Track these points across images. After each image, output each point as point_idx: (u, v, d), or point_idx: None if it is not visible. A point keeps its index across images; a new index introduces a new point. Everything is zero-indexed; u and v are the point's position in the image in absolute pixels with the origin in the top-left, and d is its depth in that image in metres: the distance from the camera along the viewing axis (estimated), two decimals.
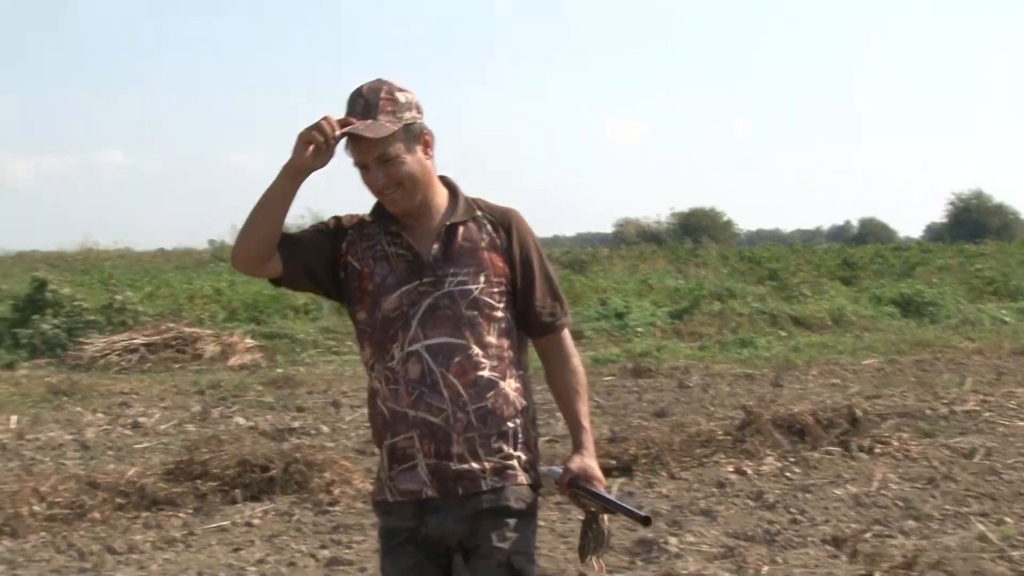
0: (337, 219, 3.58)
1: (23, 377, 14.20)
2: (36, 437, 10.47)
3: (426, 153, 3.45)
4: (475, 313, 3.39)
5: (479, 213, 3.54)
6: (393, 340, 3.37)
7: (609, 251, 37.98)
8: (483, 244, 3.48)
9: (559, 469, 3.50)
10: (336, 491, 8.00)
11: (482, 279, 3.42)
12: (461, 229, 3.48)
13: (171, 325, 16.46)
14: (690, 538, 7.00)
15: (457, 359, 3.34)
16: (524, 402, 3.48)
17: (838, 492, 8.20)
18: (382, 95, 3.36)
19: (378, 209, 3.51)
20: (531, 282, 3.53)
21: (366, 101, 3.35)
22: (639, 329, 19.27)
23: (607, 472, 8.42)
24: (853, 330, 19.80)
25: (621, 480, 8.38)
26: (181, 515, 7.62)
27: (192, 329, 16.41)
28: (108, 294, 18.68)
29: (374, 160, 3.33)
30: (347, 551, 6.85)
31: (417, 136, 3.42)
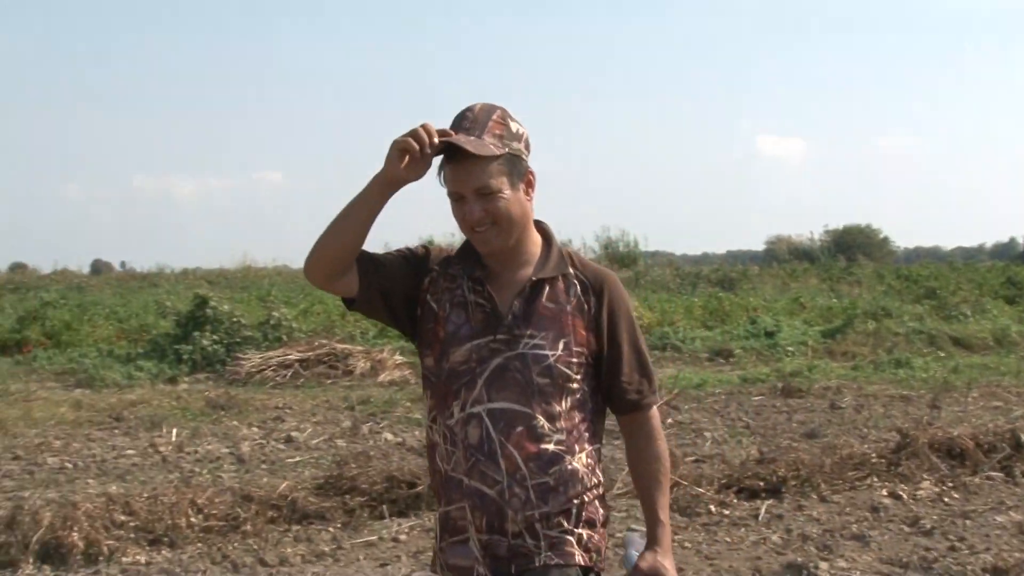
0: (426, 249, 3.35)
1: (184, 391, 14.50)
2: (195, 450, 10.71)
3: (527, 194, 3.18)
4: (547, 381, 3.10)
5: (571, 271, 3.26)
6: (455, 396, 3.13)
7: (760, 269, 37.59)
8: (569, 308, 3.20)
9: (635, 553, 3.23)
10: None
11: (560, 346, 3.14)
12: (547, 287, 3.20)
13: (324, 341, 16.66)
14: (842, 563, 6.84)
15: (519, 428, 3.07)
16: (595, 479, 3.22)
17: (1000, 519, 7.93)
18: (494, 116, 3.12)
19: (466, 249, 3.27)
20: (618, 355, 3.25)
21: (475, 118, 3.10)
22: (789, 348, 18.91)
23: (754, 493, 8.41)
24: (1017, 351, 19.07)
25: (769, 502, 8.22)
26: (330, 529, 7.68)
27: (344, 345, 16.57)
28: (265, 311, 19.05)
29: (473, 191, 3.06)
30: None
31: (522, 173, 3.16)
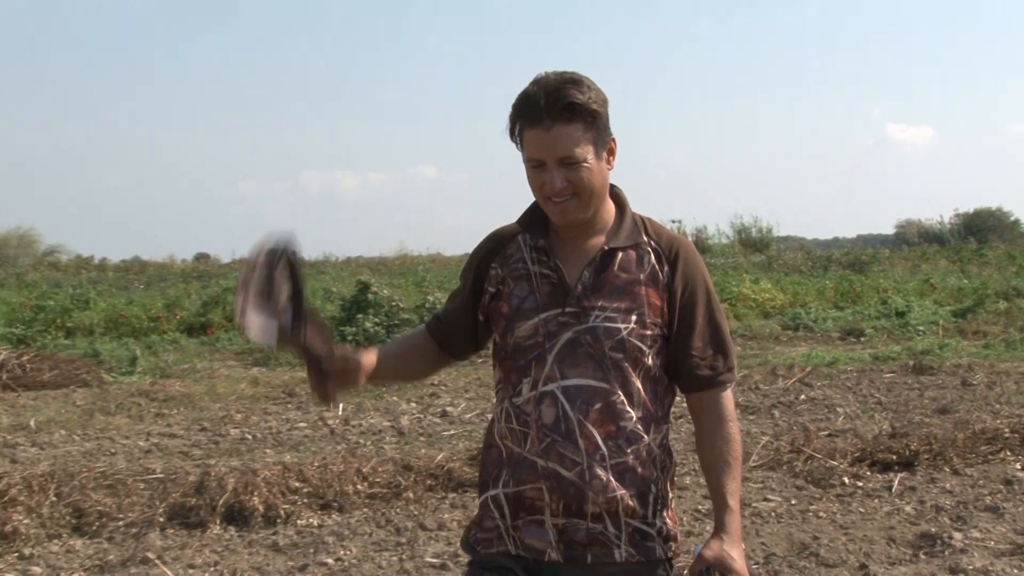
0: (471, 270, 3.02)
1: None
2: (359, 423, 10.86)
3: (609, 162, 2.85)
4: (621, 355, 2.77)
5: (644, 239, 2.90)
6: (524, 374, 2.81)
7: (890, 252, 36.82)
8: (642, 277, 2.84)
9: (699, 548, 2.83)
10: None
11: (633, 318, 2.79)
12: (620, 256, 2.85)
13: None
14: (975, 534, 6.61)
15: (598, 406, 2.75)
16: (669, 460, 2.91)
17: None
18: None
19: (532, 215, 2.94)
20: (691, 327, 2.87)
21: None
22: (920, 327, 18.46)
23: (887, 466, 8.20)
24: None
25: (902, 475, 8.00)
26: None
27: None
28: (420, 295, 19.28)
29: (556, 159, 2.72)
30: None
31: (606, 141, 2.82)
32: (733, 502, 2.85)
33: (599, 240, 2.87)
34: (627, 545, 2.76)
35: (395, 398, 12.21)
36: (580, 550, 2.75)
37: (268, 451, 9.23)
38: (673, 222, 38.73)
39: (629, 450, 2.76)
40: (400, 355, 3.13)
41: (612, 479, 2.73)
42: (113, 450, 9.59)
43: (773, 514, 7.23)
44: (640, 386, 2.80)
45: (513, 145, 2.85)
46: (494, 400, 2.98)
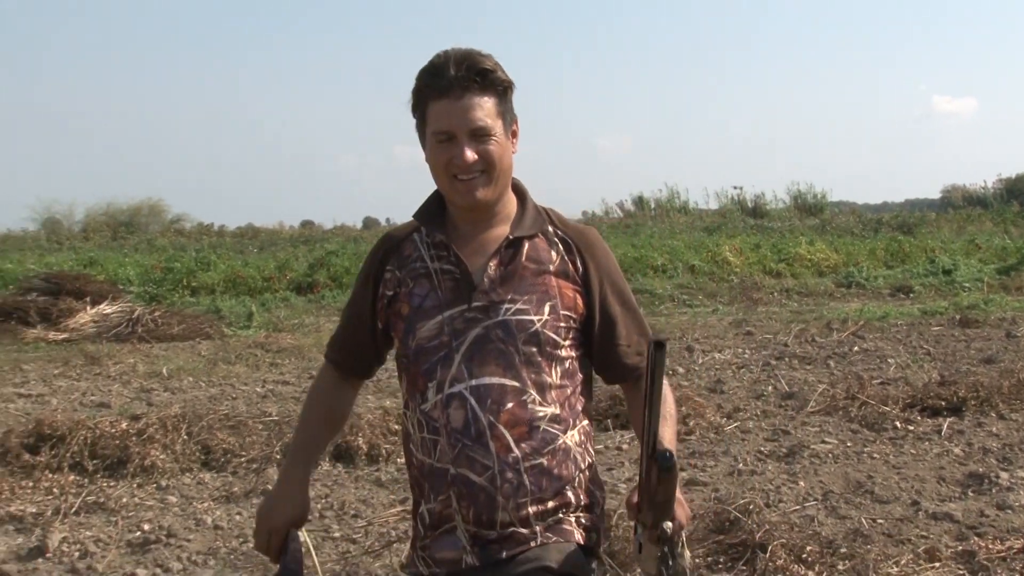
0: (366, 277, 2.61)
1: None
2: None
3: (514, 145, 2.48)
4: (534, 350, 2.39)
5: (550, 228, 2.53)
6: (429, 377, 2.41)
7: (936, 215, 36.08)
8: (551, 267, 2.46)
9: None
10: (691, 423, 7.91)
11: (547, 309, 2.41)
12: (527, 245, 2.47)
13: None
14: (1021, 473, 6.50)
15: (510, 405, 2.35)
16: (589, 457, 2.51)
17: None
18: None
19: (427, 209, 2.54)
20: (612, 317, 2.52)
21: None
22: (966, 284, 18.16)
23: (936, 411, 8.10)
24: None
25: (951, 419, 7.88)
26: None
27: None
28: None
29: (467, 131, 2.35)
30: (702, 474, 6.75)
31: (512, 120, 2.46)
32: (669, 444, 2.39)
33: (502, 230, 2.48)
34: (543, 534, 2.40)
35: None
36: (495, 548, 2.38)
37: (370, 397, 9.27)
38: (735, 188, 38.42)
39: (545, 451, 2.38)
40: (320, 435, 2.76)
41: (526, 482, 2.36)
42: (234, 395, 9.76)
43: (830, 455, 7.15)
44: (555, 381, 2.42)
45: (417, 131, 2.49)
46: (402, 416, 2.59)
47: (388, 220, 46.38)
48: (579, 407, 2.49)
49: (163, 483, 6.73)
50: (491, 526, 2.36)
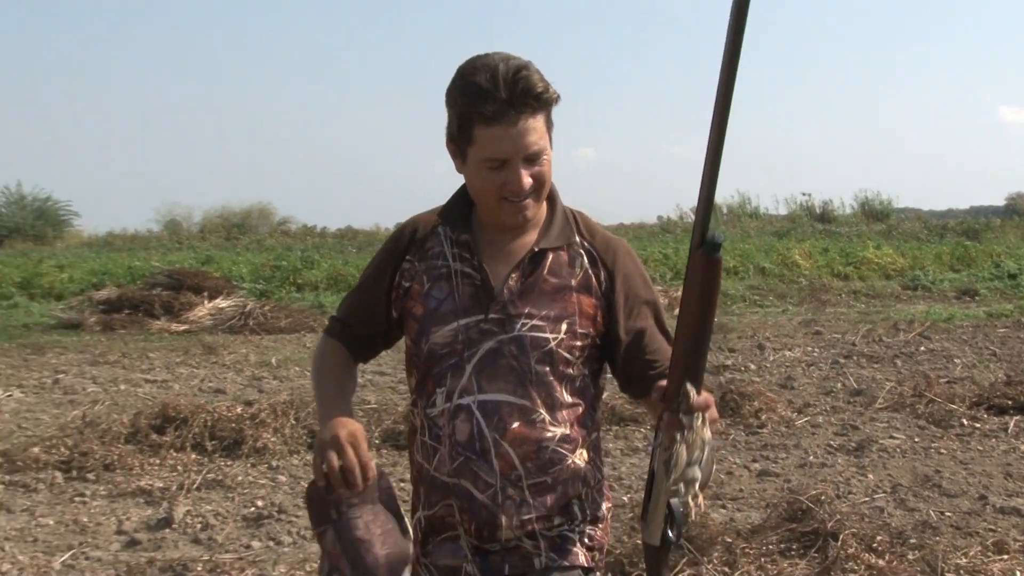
0: (385, 262, 2.35)
1: None
2: None
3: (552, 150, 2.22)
4: (547, 368, 2.17)
5: (577, 239, 2.27)
6: (439, 383, 2.20)
7: (1001, 221, 35.22)
8: (574, 283, 2.23)
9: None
10: (763, 416, 7.84)
11: (563, 328, 2.19)
12: (551, 257, 2.23)
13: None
14: None
15: (516, 424, 2.15)
16: (598, 473, 2.32)
17: None
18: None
19: (453, 206, 2.30)
20: (641, 331, 2.25)
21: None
22: None
23: (1002, 410, 7.93)
24: None
25: (1017, 417, 7.71)
26: (641, 430, 7.64)
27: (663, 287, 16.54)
28: None
29: (524, 156, 2.11)
30: (774, 465, 6.69)
31: (552, 126, 2.20)
32: None
33: (528, 239, 2.25)
34: (547, 552, 2.21)
35: None
36: (497, 560, 2.20)
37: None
38: (803, 195, 37.95)
39: (550, 471, 2.18)
40: (347, 388, 2.39)
41: (528, 498, 2.17)
42: None
43: (898, 450, 7.04)
44: (567, 400, 2.20)
45: (450, 143, 2.22)
46: (411, 411, 2.35)
47: None
48: (589, 423, 2.27)
49: (274, 463, 6.84)
50: (493, 540, 2.19)
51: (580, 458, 2.23)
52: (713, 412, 1.95)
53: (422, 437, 2.24)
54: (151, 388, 9.62)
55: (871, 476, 6.42)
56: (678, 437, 1.92)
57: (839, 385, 9.28)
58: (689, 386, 1.90)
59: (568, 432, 2.20)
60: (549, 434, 2.17)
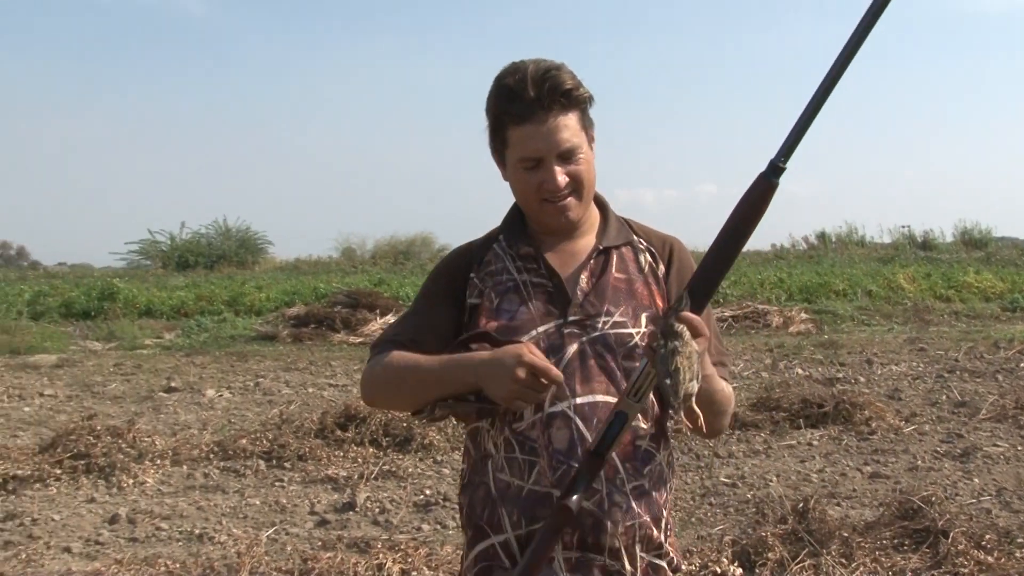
0: (447, 285, 2.04)
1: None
2: None
3: (592, 151, 1.99)
4: (634, 364, 1.87)
5: (635, 238, 2.06)
6: None
7: None
8: (642, 276, 2.00)
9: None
10: (873, 424, 7.63)
11: (644, 321, 1.93)
12: (615, 255, 2.00)
13: (748, 303, 16.35)
14: None
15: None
16: (672, 482, 2.03)
17: None
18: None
19: (512, 222, 2.06)
20: None
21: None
22: None
23: None
24: None
25: None
26: (762, 435, 7.52)
27: (763, 306, 16.20)
28: None
29: (557, 155, 1.90)
30: (884, 468, 6.50)
31: (591, 127, 1.98)
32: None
33: (588, 240, 2.03)
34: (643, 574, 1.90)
35: None
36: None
37: None
38: (902, 227, 36.68)
39: (645, 471, 1.92)
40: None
41: (633, 504, 1.88)
42: None
43: (1002, 457, 6.76)
44: (651, 398, 1.92)
45: (492, 152, 2.03)
46: (475, 432, 2.00)
47: None
48: (665, 421, 1.99)
49: (438, 458, 6.97)
50: (598, 550, 1.86)
51: (664, 460, 1.97)
52: (699, 329, 1.71)
53: (510, 455, 1.89)
54: (333, 391, 9.88)
55: (977, 480, 6.19)
56: (670, 345, 1.67)
57: (944, 397, 8.95)
58: (686, 295, 1.74)
59: (655, 431, 1.94)
60: (641, 432, 1.91)
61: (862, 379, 10.14)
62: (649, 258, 2.04)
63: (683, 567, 2.05)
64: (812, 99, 1.69)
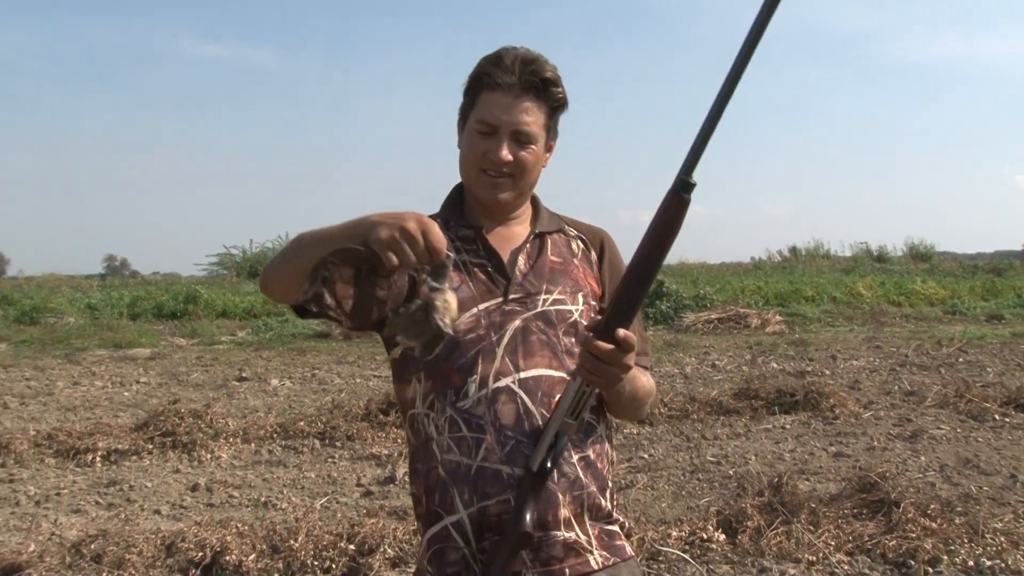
0: None
1: (650, 335, 14.38)
2: (658, 369, 10.58)
3: (546, 160, 1.78)
4: (573, 340, 1.67)
5: (565, 226, 1.84)
6: (468, 373, 1.61)
7: (1020, 262, 33.03)
8: (576, 261, 1.78)
9: None
10: (837, 411, 7.54)
11: (580, 299, 1.71)
12: (550, 240, 1.78)
13: (732, 307, 16.23)
14: None
15: (559, 396, 1.59)
16: (613, 455, 1.76)
17: None
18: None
19: (450, 205, 1.81)
20: None
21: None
22: None
23: None
24: None
25: None
26: (742, 420, 7.45)
27: (744, 310, 16.05)
28: (696, 289, 18.78)
29: (511, 131, 1.66)
30: (846, 448, 6.42)
31: (554, 136, 1.77)
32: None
33: (524, 228, 1.79)
34: (599, 549, 1.64)
35: (681, 354, 11.87)
36: (557, 565, 1.59)
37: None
38: (861, 243, 36.38)
39: (589, 441, 1.67)
40: None
41: (580, 474, 1.63)
42: None
43: (944, 438, 6.67)
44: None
45: (459, 114, 1.78)
46: (413, 419, 1.69)
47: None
48: (601, 395, 1.70)
49: None
50: (555, 526, 1.59)
51: (603, 431, 1.72)
52: (631, 345, 1.51)
53: (456, 434, 1.60)
54: (378, 381, 9.85)
55: (923, 458, 6.10)
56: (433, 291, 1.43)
57: (896, 387, 8.85)
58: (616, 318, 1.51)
59: (595, 403, 1.65)
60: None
61: (827, 372, 10.03)
62: (581, 244, 1.82)
63: (632, 534, 1.82)
64: (709, 115, 1.43)
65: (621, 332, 1.49)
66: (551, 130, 1.74)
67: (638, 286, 1.51)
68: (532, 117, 1.68)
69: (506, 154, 1.67)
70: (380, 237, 1.40)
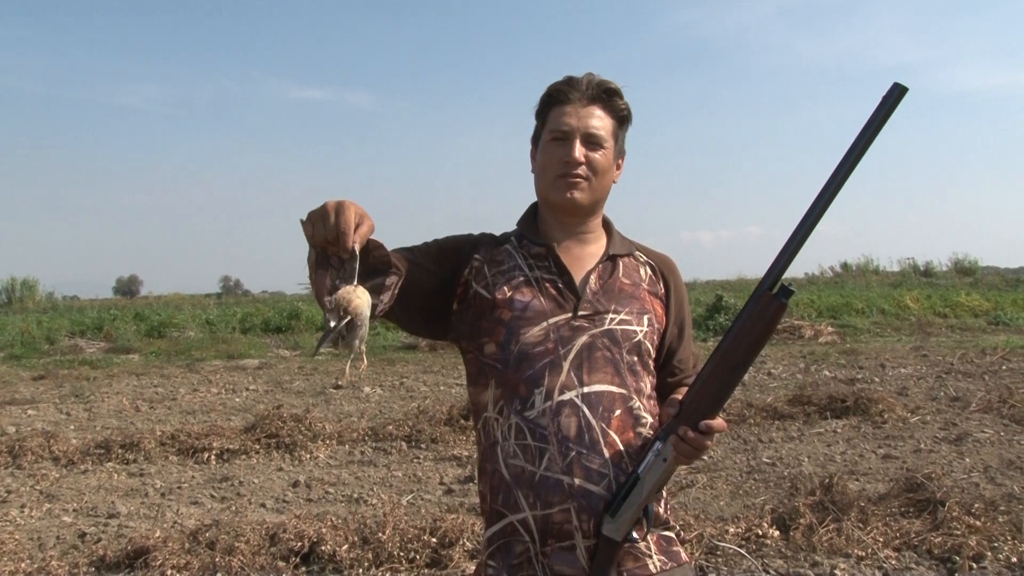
0: (457, 243, 1.71)
1: (708, 347, 14.15)
2: None
3: (616, 175, 1.72)
4: (636, 359, 1.62)
5: (637, 252, 1.76)
6: (535, 384, 1.56)
7: None
8: (644, 284, 1.71)
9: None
10: (885, 415, 7.28)
11: (645, 321, 1.65)
12: (622, 262, 1.71)
13: (786, 319, 15.88)
14: None
15: (619, 412, 1.56)
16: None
17: None
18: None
19: (526, 220, 1.74)
20: (680, 335, 1.75)
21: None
22: None
23: None
24: None
25: None
26: (796, 424, 7.26)
27: (798, 321, 15.66)
28: None
29: (584, 133, 1.63)
30: (894, 451, 6.19)
31: (623, 148, 1.72)
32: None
33: (597, 248, 1.72)
34: (657, 555, 1.59)
35: None
36: (615, 570, 1.55)
37: None
38: (908, 259, 35.13)
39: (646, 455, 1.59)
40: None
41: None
42: None
43: (988, 441, 6.38)
44: (649, 391, 1.64)
45: (532, 140, 1.74)
46: (484, 422, 1.64)
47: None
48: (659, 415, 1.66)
49: None
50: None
51: (660, 445, 1.62)
52: (717, 431, 1.53)
53: (521, 441, 1.56)
54: (459, 389, 9.86)
55: (967, 460, 5.85)
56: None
57: (942, 393, 8.50)
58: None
59: (652, 420, 1.62)
60: (643, 420, 1.60)
61: (877, 379, 9.71)
62: (649, 271, 1.74)
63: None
64: (804, 222, 1.41)
65: (710, 424, 1.51)
66: (619, 141, 1.70)
67: (729, 376, 1.49)
68: (601, 123, 1.65)
69: (579, 154, 1.63)
70: (308, 216, 1.35)
